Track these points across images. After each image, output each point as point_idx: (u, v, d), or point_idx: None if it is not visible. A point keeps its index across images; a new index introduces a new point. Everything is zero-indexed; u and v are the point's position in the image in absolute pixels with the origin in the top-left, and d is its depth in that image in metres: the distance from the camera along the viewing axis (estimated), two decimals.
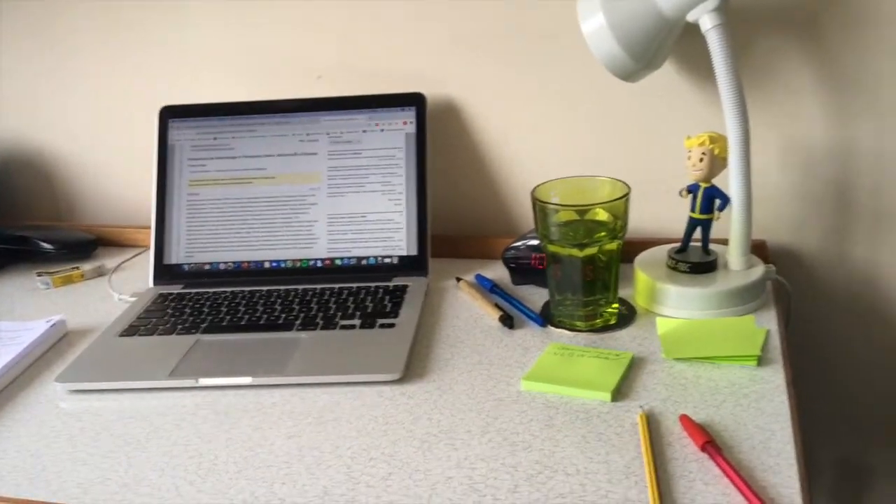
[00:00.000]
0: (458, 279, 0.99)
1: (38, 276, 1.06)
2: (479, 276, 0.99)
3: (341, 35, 1.06)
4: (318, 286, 0.97)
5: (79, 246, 1.14)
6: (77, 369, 0.82)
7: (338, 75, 1.08)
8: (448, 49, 1.04)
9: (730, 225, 0.87)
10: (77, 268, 1.08)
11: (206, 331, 0.88)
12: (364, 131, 1.02)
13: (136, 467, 0.67)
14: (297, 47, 1.09)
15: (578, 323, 0.85)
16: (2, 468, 0.68)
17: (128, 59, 1.15)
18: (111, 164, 1.21)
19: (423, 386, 0.77)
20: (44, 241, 1.12)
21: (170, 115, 1.04)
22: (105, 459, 0.68)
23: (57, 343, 0.90)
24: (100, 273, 1.09)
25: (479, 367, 0.80)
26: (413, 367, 0.80)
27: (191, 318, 0.91)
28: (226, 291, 0.98)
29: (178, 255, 1.02)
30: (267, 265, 1.01)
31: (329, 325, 0.88)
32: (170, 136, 1.04)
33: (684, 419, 0.66)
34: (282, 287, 0.98)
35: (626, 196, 0.82)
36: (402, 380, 0.78)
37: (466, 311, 0.92)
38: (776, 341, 0.79)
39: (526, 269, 0.95)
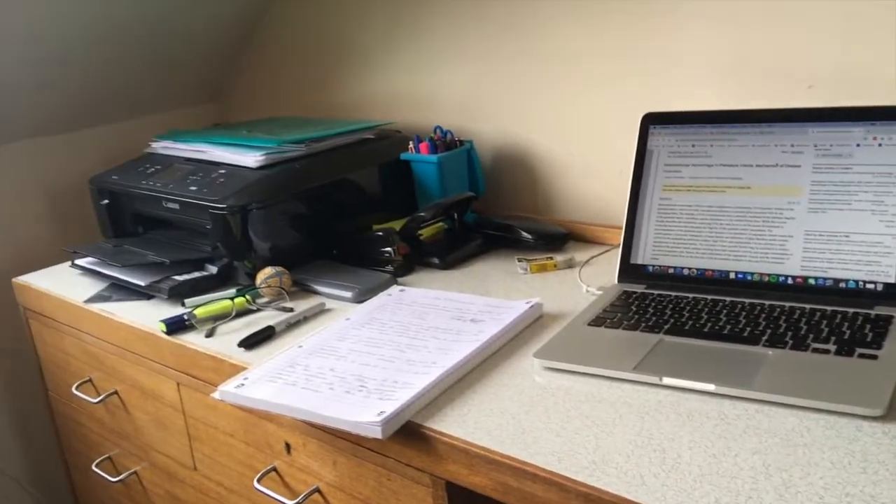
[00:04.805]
0: None
1: (518, 261, 1.19)
2: None
3: (842, 38, 1.00)
4: (787, 304, 0.93)
5: (553, 238, 1.25)
6: (552, 349, 0.90)
7: (833, 83, 1.01)
8: None
9: None
10: (551, 258, 1.19)
11: (669, 332, 0.90)
12: (858, 145, 0.94)
13: (604, 448, 0.72)
14: (790, 51, 1.05)
15: None
16: (490, 424, 0.78)
17: (616, 66, 1.22)
18: (589, 165, 1.30)
19: None
20: (524, 231, 1.25)
21: (652, 121, 1.08)
22: (576, 435, 0.74)
23: (533, 323, 1.00)
24: (570, 265, 1.18)
25: None
26: None
27: (654, 318, 0.94)
28: (688, 297, 0.99)
29: (644, 255, 1.06)
30: (732, 276, 1.00)
31: (799, 345, 0.83)
32: (649, 142, 1.08)
33: None
34: (746, 300, 0.96)
35: None
36: (884, 417, 0.71)
37: None
38: None
39: None
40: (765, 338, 0.86)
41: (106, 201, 1.41)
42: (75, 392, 1.29)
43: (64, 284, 1.31)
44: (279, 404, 0.84)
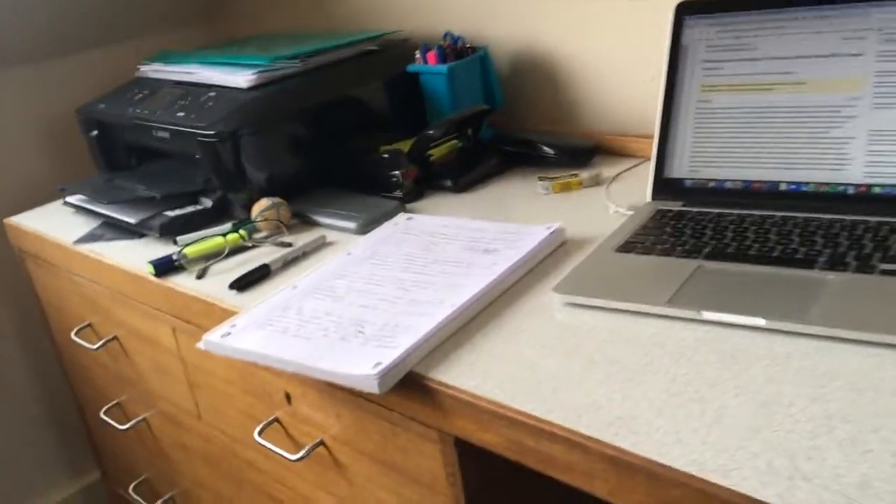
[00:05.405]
0: None
1: (540, 180, 1.06)
2: None
3: None
4: (849, 217, 0.80)
5: (579, 153, 1.12)
6: (573, 282, 0.79)
7: None
8: None
9: None
10: (576, 175, 1.06)
11: (709, 257, 0.79)
12: None
13: (633, 400, 0.61)
14: None
15: None
16: (502, 373, 0.68)
17: None
18: (616, 68, 1.15)
19: None
20: (546, 146, 1.12)
21: (686, 11, 0.94)
22: (600, 385, 0.64)
23: (555, 251, 0.88)
24: (597, 182, 1.06)
25: None
26: None
27: (691, 241, 0.82)
28: (731, 214, 0.87)
29: (680, 168, 0.93)
30: (783, 187, 0.87)
31: (864, 267, 0.71)
32: (684, 36, 0.94)
33: None
34: (800, 214, 0.83)
35: None
36: None
37: None
38: None
39: None
40: (823, 259, 0.74)
41: (95, 132, 1.31)
42: (74, 338, 1.22)
43: (56, 224, 1.23)
44: (266, 355, 0.75)
